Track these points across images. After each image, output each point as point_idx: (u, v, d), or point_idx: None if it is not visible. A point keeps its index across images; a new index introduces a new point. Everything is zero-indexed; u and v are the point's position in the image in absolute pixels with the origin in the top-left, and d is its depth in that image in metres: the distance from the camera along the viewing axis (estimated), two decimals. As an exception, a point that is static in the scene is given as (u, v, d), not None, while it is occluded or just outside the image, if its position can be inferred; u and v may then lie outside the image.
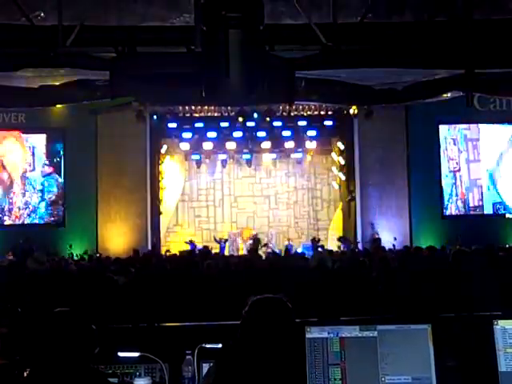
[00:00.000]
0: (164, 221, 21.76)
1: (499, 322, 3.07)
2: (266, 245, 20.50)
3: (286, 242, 20.95)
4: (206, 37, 4.91)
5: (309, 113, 19.83)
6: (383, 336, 3.01)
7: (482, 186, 18.91)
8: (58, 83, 9.02)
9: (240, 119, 19.55)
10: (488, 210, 18.75)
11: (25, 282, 8.17)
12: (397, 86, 8.95)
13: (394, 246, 14.91)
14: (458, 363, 3.28)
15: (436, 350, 2.96)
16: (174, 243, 21.42)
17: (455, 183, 18.91)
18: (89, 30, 7.58)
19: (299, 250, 18.11)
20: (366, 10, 7.30)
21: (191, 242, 20.18)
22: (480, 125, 18.78)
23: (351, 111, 18.86)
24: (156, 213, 20.42)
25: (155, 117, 19.54)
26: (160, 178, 20.97)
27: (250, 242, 20.61)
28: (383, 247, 14.18)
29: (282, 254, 15.58)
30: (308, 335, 3.02)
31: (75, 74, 8.67)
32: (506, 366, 2.99)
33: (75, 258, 15.28)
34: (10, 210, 18.79)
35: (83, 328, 2.69)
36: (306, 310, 3.74)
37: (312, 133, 20.58)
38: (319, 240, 20.56)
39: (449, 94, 10.27)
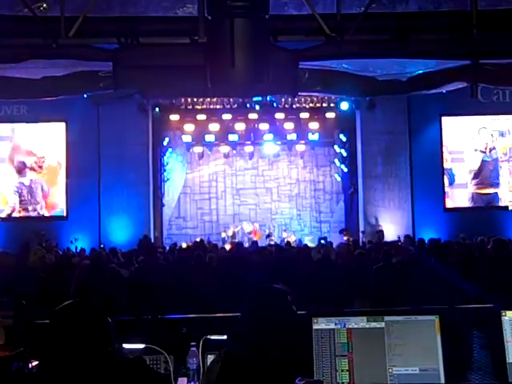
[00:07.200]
0: (166, 213, 21.78)
1: (507, 313, 3.05)
2: (269, 235, 20.49)
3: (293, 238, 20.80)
4: (211, 26, 4.86)
5: (311, 105, 19.81)
6: (390, 327, 3.00)
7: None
8: (60, 74, 8.98)
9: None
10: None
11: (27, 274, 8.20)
12: (401, 76, 8.89)
13: (399, 237, 14.88)
14: (466, 355, 3.26)
15: (443, 342, 2.94)
16: (176, 236, 21.41)
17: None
18: (91, 21, 7.52)
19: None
20: None
21: None
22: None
23: (353, 104, 18.83)
24: (158, 205, 20.39)
25: (157, 109, 19.51)
26: (162, 171, 20.96)
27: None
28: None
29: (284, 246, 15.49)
30: (315, 326, 3.00)
31: (78, 66, 8.63)
32: (515, 357, 2.98)
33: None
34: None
35: (101, 321, 2.61)
36: (310, 302, 3.73)
37: (314, 125, 20.56)
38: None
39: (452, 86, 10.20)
